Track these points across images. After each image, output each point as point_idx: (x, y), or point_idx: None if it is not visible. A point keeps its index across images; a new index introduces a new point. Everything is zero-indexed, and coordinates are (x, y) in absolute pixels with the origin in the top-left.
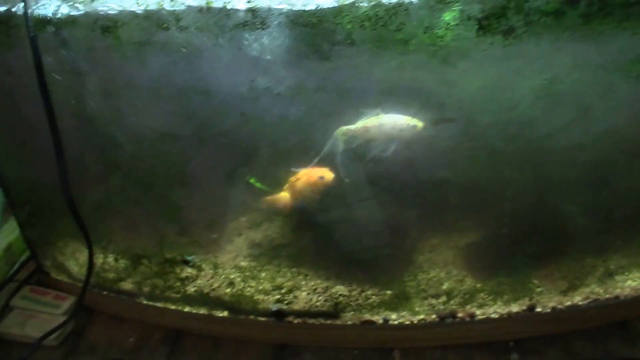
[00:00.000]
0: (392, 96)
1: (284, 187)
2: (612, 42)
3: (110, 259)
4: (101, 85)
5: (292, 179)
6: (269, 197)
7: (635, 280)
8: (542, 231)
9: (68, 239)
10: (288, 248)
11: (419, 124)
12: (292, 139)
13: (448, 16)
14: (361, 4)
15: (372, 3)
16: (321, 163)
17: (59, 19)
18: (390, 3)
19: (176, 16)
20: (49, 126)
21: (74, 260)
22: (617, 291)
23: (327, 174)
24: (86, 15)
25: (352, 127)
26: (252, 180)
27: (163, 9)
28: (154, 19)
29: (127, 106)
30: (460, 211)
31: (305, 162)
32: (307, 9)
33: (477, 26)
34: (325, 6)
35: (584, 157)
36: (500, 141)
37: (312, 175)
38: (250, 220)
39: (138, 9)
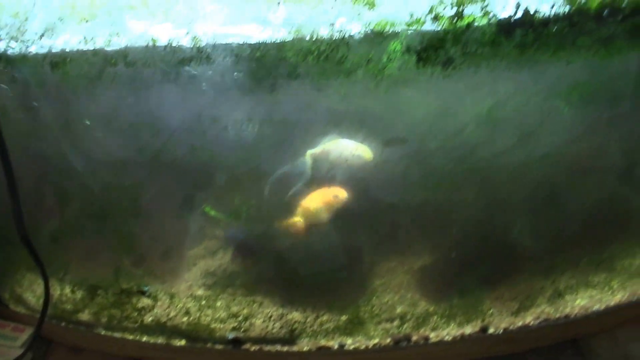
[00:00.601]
0: (340, 124)
1: (297, 212)
2: (549, 71)
3: (67, 290)
4: (53, 118)
5: (304, 202)
6: (284, 222)
7: (584, 299)
8: (491, 253)
9: (25, 271)
10: (242, 276)
11: (367, 154)
12: (241, 168)
13: (393, 47)
14: (304, 39)
15: (314, 38)
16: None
17: (9, 55)
18: (332, 37)
19: (123, 52)
20: (1, 160)
21: (32, 292)
22: (567, 310)
23: (341, 193)
24: (35, 52)
25: (315, 150)
26: (207, 209)
27: (109, 46)
28: (102, 55)
29: (79, 139)
30: (412, 234)
31: (257, 189)
32: (251, 43)
33: (416, 58)
34: (268, 41)
35: (529, 179)
36: (447, 165)
37: (326, 195)
38: (205, 249)
39: (85, 46)
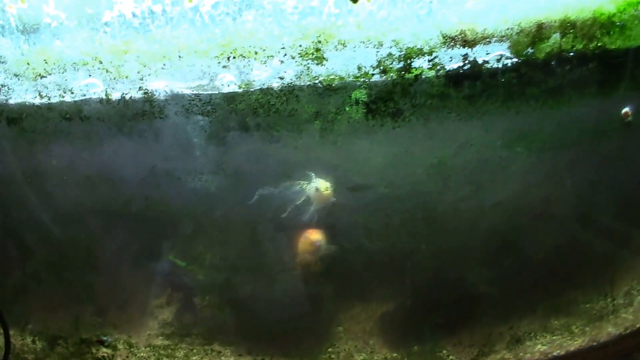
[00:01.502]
0: (294, 174)
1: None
2: (499, 121)
3: (29, 340)
4: (11, 172)
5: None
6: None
7: (544, 345)
8: (449, 299)
9: None
10: (198, 326)
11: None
12: (195, 218)
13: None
14: (254, 91)
15: (264, 90)
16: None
17: None
18: (281, 90)
19: (77, 107)
20: None
21: None
22: (527, 356)
23: (317, 236)
24: None
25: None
26: (172, 258)
27: (64, 101)
28: (57, 110)
29: (36, 192)
30: (374, 281)
31: (215, 237)
32: (201, 95)
33: (365, 110)
34: (218, 93)
35: (484, 227)
36: (401, 213)
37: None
38: (164, 298)
39: (41, 101)
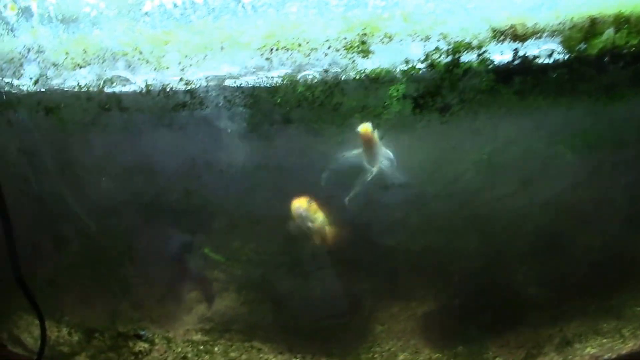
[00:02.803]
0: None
1: None
2: (549, 117)
3: (65, 332)
4: (49, 163)
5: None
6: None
7: (594, 348)
8: (496, 300)
9: (22, 313)
10: (239, 322)
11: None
12: (236, 213)
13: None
14: (297, 84)
15: (308, 82)
16: None
17: (3, 100)
18: (325, 83)
19: (116, 98)
20: None
21: (29, 333)
22: (577, 359)
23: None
24: (29, 96)
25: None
26: (207, 251)
27: (103, 91)
28: (96, 101)
29: (73, 184)
30: (413, 280)
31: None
32: (243, 87)
33: (413, 104)
34: (260, 85)
35: (532, 226)
36: (447, 211)
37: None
38: (201, 293)
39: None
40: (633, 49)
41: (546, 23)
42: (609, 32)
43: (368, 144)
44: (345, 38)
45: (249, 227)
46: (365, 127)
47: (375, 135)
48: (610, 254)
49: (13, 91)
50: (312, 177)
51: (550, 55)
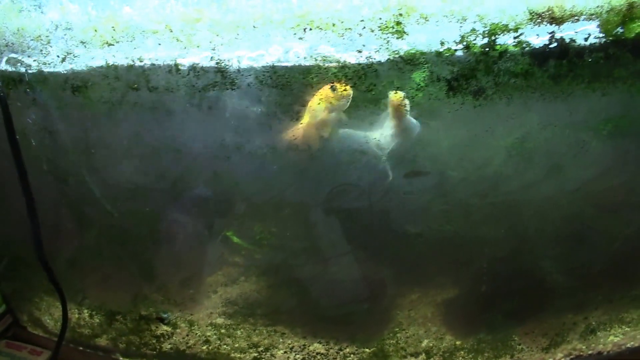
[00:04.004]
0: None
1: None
2: (583, 102)
3: (86, 314)
4: (73, 143)
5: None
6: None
7: (617, 336)
8: (520, 287)
9: (43, 294)
10: (263, 306)
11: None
12: (264, 196)
13: (418, 77)
14: (330, 65)
15: (340, 63)
16: None
17: (30, 78)
18: (359, 64)
19: (146, 77)
20: (21, 184)
21: (49, 315)
22: (600, 347)
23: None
24: (56, 74)
25: None
26: (229, 234)
27: (132, 70)
28: (124, 80)
29: (99, 164)
30: (438, 267)
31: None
32: (275, 67)
33: (446, 87)
34: (293, 65)
35: (559, 213)
36: (473, 197)
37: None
38: (226, 276)
39: (107, 70)
40: None
41: (584, 6)
42: None
43: (398, 112)
44: (380, 18)
45: (276, 211)
46: (397, 95)
47: (407, 104)
48: (637, 243)
49: (40, 69)
50: (341, 159)
51: (586, 39)
